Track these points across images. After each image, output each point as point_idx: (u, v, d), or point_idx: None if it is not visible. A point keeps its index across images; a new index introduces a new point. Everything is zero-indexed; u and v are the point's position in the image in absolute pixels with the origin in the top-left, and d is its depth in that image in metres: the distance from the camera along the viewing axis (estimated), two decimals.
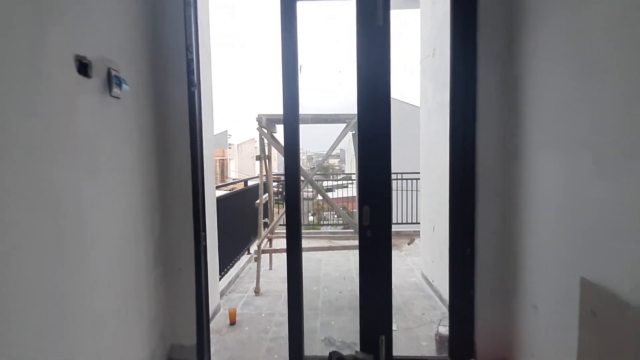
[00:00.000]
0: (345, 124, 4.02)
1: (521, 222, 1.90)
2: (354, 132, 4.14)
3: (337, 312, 3.22)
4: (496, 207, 2.07)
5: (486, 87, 2.02)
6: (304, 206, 8.04)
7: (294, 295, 2.14)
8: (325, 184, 8.14)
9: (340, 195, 9.11)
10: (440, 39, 3.11)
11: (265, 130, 3.73)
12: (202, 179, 2.14)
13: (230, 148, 26.12)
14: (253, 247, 5.05)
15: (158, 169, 2.01)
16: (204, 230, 2.20)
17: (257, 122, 3.68)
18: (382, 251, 2.12)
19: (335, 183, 9.74)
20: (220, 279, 3.66)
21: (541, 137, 1.70)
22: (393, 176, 6.32)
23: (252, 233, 5.19)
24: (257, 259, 3.58)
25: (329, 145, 4.10)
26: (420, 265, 4.17)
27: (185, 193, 2.07)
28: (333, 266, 4.48)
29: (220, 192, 4.24)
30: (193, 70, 2.09)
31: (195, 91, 2.11)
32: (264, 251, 3.68)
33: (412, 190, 6.16)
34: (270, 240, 4.36)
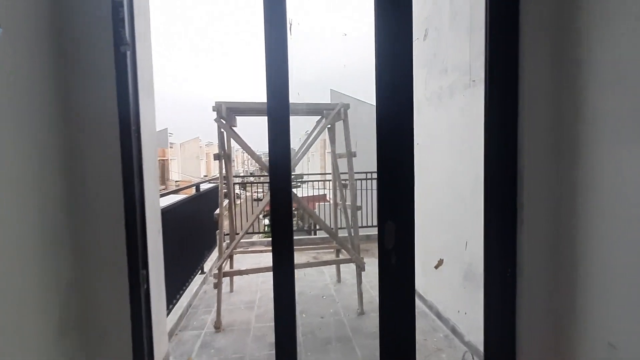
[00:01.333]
0: (321, 117, 3.43)
1: (587, 236, 1.47)
2: (330, 126, 3.56)
3: (324, 347, 2.62)
4: (547, 216, 1.63)
5: (532, 66, 1.56)
6: (251, 208, 7.27)
7: (285, 339, 1.49)
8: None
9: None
10: (436, 15, 2.67)
11: (225, 122, 2.98)
12: (140, 191, 1.39)
13: (172, 147, 24.04)
14: (208, 264, 4.22)
15: (63, 179, 1.22)
16: (145, 267, 1.44)
17: (215, 113, 2.92)
18: (408, 282, 1.57)
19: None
20: (168, 314, 2.84)
21: (620, 125, 1.28)
22: (362, 175, 5.89)
23: (205, 248, 4.35)
24: (217, 285, 2.83)
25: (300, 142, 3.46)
26: None
27: (113, 214, 1.30)
28: (306, 282, 3.87)
29: (164, 201, 3.38)
30: (123, 19, 1.32)
31: (129, 54, 1.35)
32: (225, 274, 2.94)
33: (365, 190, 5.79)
34: (230, 257, 3.60)
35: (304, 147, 3.18)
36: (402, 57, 1.43)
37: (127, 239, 1.32)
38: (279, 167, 1.42)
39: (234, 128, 3.38)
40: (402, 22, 1.42)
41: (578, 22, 1.45)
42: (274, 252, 1.44)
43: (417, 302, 3.29)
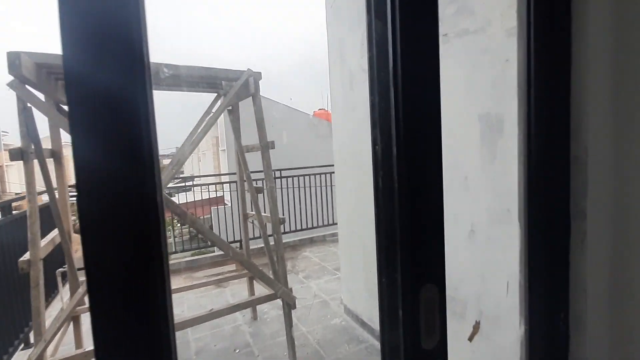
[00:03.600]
0: (219, 94, 2.34)
1: None
2: (230, 108, 2.50)
3: None
4: (613, 230, 1.03)
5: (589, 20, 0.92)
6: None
7: None
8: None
9: (182, 202, 7.06)
10: None
11: (33, 92, 1.64)
12: None
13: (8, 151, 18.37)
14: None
15: None
16: None
17: (9, 71, 1.55)
18: None
19: (170, 186, 7.59)
20: None
21: None
22: (297, 172, 4.95)
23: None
24: None
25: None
26: (342, 295, 2.99)
27: None
28: (208, 327, 2.73)
29: None
30: None
31: None
32: None
33: (323, 186, 4.97)
34: (75, 318, 2.20)
35: (193, 136, 2.05)
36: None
37: None
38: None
39: (63, 106, 2.01)
40: None
41: None
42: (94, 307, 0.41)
43: (360, 331, 2.57)
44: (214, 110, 2.22)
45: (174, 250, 4.90)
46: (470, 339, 1.28)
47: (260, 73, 2.18)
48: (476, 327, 1.26)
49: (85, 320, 2.82)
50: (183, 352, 2.50)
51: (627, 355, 0.97)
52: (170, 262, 4.46)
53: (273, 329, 2.68)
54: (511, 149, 1.41)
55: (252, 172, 4.40)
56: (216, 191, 7.59)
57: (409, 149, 0.62)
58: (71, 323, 2.16)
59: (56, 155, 1.98)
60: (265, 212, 2.48)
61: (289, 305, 2.16)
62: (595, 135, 0.95)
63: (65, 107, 2.04)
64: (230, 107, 2.51)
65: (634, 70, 0.90)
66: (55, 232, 1.92)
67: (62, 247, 1.89)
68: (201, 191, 6.52)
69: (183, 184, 9.03)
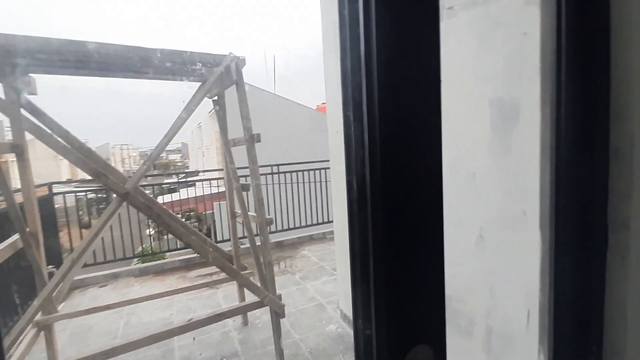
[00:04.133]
0: (201, 83, 2.13)
1: None
2: (216, 98, 2.29)
3: None
4: None
5: None
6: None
7: None
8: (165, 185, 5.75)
9: (184, 197, 6.93)
10: None
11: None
12: None
13: None
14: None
15: None
16: None
17: None
18: None
19: (174, 180, 7.48)
20: None
21: None
22: (298, 167, 4.76)
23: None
24: None
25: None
26: (337, 298, 2.80)
27: None
28: (194, 335, 2.56)
29: None
30: None
31: None
32: None
33: (324, 182, 4.77)
34: (46, 328, 2.03)
35: (169, 130, 1.85)
36: None
37: None
38: None
39: (29, 96, 1.82)
40: None
41: None
42: None
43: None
44: (197, 98, 2.01)
45: (167, 248, 4.76)
46: None
47: (244, 58, 1.97)
48: None
49: (59, 329, 2.66)
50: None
51: None
52: (164, 260, 4.32)
53: (264, 335, 2.50)
54: (529, 140, 1.18)
55: (262, 165, 4.20)
56: (218, 187, 7.43)
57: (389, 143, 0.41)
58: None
59: (18, 149, 1.80)
60: (251, 211, 2.28)
61: (277, 314, 1.97)
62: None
63: (30, 97, 1.85)
64: (215, 97, 2.30)
65: None
66: (15, 237, 1.75)
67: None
68: (202, 187, 6.34)
69: (187, 180, 8.90)
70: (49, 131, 1.64)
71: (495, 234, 1.41)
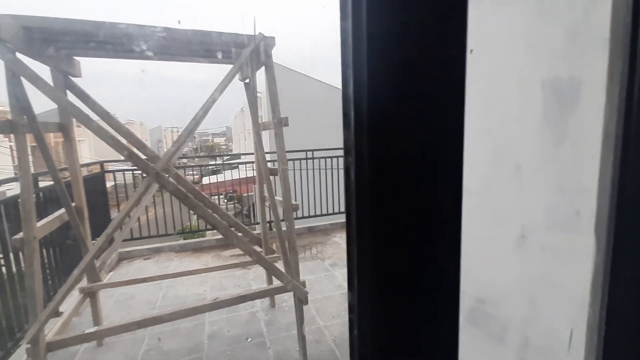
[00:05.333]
0: (233, 64, 2.11)
1: None
2: (247, 80, 2.27)
3: None
4: None
5: None
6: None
7: None
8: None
9: (227, 178, 7.12)
10: None
11: (19, 59, 1.54)
12: None
13: (79, 127, 20.36)
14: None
15: None
16: None
17: None
18: None
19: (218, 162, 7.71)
20: None
21: None
22: (331, 153, 4.70)
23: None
24: None
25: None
26: None
27: None
28: (224, 312, 2.65)
29: None
30: None
31: None
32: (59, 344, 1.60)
33: (330, 169, 4.68)
34: (91, 295, 2.22)
35: (198, 111, 1.86)
36: None
37: None
38: None
39: (72, 77, 1.92)
40: None
41: None
42: None
43: None
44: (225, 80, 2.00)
45: (205, 227, 4.95)
46: None
47: (273, 38, 1.90)
48: None
49: (107, 296, 2.89)
50: (198, 334, 2.45)
51: None
52: (202, 239, 4.52)
53: (290, 319, 2.52)
54: (589, 127, 0.99)
55: (297, 150, 4.13)
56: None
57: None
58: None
59: (65, 129, 1.92)
60: (278, 196, 2.26)
61: (300, 300, 1.96)
62: None
63: (74, 78, 1.95)
64: (247, 80, 2.28)
65: None
66: (62, 211, 1.89)
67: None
68: (246, 169, 6.44)
69: (230, 162, 9.22)
70: (88, 112, 1.72)
71: (540, 235, 1.24)
